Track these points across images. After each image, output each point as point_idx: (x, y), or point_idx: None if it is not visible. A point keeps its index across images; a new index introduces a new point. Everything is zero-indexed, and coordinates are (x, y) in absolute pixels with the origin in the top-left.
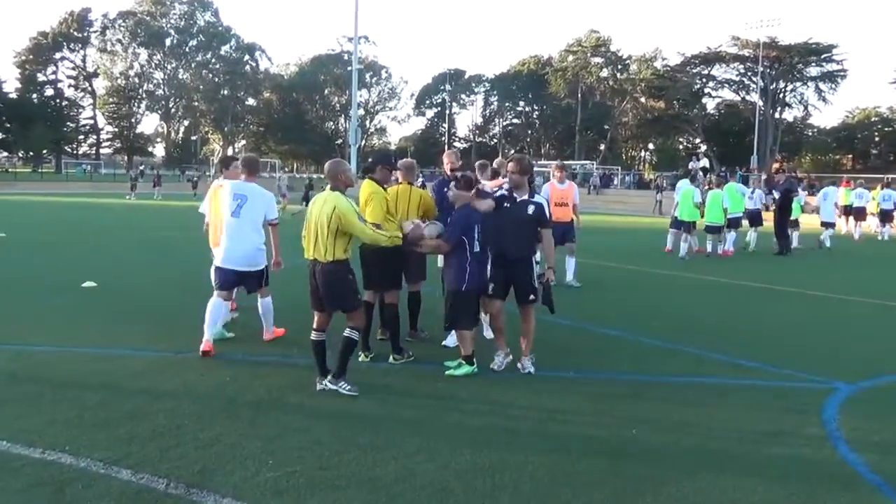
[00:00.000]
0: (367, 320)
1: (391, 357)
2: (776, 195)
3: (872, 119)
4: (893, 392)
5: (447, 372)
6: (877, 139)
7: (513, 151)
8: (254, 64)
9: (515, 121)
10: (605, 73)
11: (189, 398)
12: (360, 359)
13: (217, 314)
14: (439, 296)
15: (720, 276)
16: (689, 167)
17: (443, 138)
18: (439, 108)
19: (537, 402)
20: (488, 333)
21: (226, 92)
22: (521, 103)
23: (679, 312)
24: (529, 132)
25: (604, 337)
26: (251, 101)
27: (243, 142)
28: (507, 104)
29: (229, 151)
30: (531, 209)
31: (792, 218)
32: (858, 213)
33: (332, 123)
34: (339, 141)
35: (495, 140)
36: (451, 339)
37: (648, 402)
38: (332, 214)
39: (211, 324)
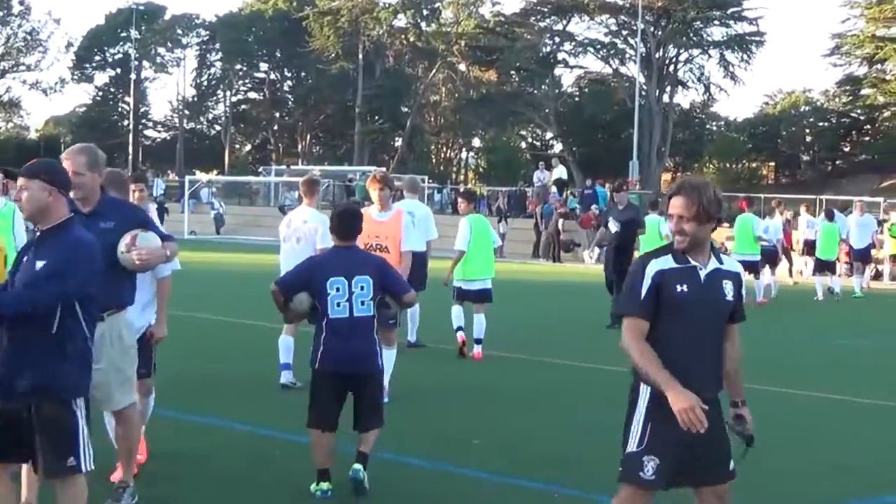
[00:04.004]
0: None
1: None
2: (613, 227)
3: (802, 108)
4: None
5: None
6: (808, 139)
7: (248, 148)
8: None
9: (253, 95)
10: (401, 20)
11: None
12: None
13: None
14: None
15: (580, 360)
16: (535, 179)
17: (126, 122)
18: (119, 71)
19: None
20: None
21: None
22: (264, 66)
23: (515, 424)
24: (277, 115)
25: (403, 469)
26: None
27: None
28: (238, 67)
29: None
30: (729, 288)
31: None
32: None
33: None
34: None
35: (218, 126)
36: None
37: None
38: None
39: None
